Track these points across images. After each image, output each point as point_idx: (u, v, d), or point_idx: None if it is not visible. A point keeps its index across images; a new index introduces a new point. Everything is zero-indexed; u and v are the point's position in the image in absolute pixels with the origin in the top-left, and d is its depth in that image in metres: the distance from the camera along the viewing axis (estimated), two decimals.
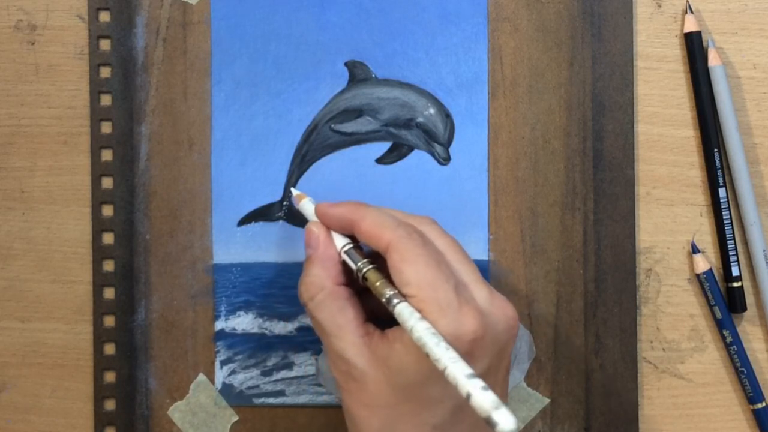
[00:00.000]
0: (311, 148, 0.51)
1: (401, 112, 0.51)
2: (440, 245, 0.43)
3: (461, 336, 0.39)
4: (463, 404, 0.38)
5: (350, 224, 0.43)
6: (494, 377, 0.42)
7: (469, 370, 0.37)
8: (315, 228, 0.45)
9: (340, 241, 0.45)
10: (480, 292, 0.42)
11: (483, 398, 0.35)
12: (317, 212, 0.45)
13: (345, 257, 0.44)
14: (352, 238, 0.45)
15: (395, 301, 0.41)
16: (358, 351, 0.42)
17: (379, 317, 0.43)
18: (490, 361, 0.41)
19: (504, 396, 0.43)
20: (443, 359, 0.37)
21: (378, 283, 0.42)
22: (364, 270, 0.43)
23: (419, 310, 0.39)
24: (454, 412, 0.41)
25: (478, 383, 0.36)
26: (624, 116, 0.51)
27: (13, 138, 0.52)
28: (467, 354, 0.39)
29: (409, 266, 0.40)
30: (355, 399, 0.42)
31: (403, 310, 0.40)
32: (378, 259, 0.43)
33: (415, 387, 0.40)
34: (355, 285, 0.44)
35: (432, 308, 0.39)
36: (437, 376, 0.38)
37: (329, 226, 0.45)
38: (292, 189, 0.50)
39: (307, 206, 0.47)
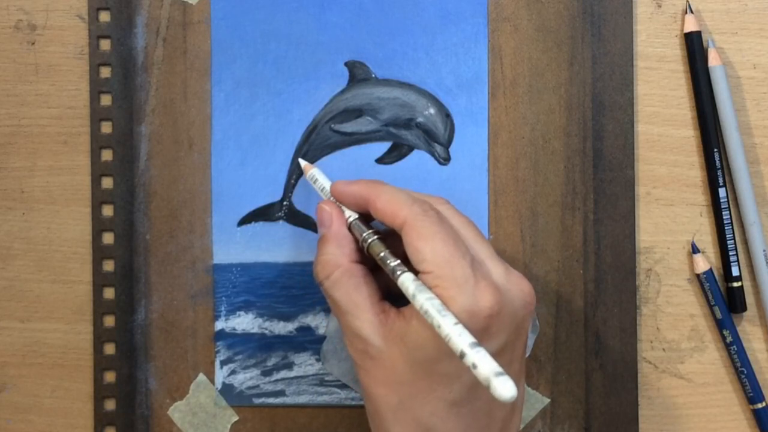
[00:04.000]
0: (311, 148, 0.51)
1: (401, 112, 0.51)
2: (455, 223, 0.43)
3: (478, 312, 0.39)
4: None
5: (365, 202, 0.43)
6: (511, 353, 0.42)
7: (471, 339, 0.37)
8: (327, 206, 0.45)
9: (347, 214, 0.45)
10: (496, 268, 0.42)
11: (484, 365, 0.36)
12: (333, 190, 0.45)
13: (353, 229, 0.44)
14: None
15: (399, 271, 0.41)
16: (375, 329, 0.42)
17: (393, 294, 0.43)
18: (507, 337, 0.41)
19: (521, 372, 0.43)
20: (446, 327, 0.38)
21: (381, 254, 0.42)
22: (369, 240, 0.43)
23: (435, 287, 0.40)
24: (471, 388, 0.41)
25: (480, 350, 0.36)
26: (624, 116, 0.51)
27: (13, 138, 0.52)
28: (483, 330, 0.39)
29: (426, 243, 0.40)
30: (372, 377, 0.42)
31: (405, 280, 0.40)
32: (389, 238, 0.43)
33: (432, 363, 0.40)
34: (369, 262, 0.44)
35: (449, 284, 0.39)
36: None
37: (345, 204, 0.45)
38: (300, 159, 0.50)
39: (317, 176, 0.47)
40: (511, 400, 0.35)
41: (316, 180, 0.47)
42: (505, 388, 0.35)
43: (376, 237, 0.43)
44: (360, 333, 0.42)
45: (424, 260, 0.40)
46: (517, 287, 0.42)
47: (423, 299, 0.39)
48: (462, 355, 0.37)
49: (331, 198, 0.46)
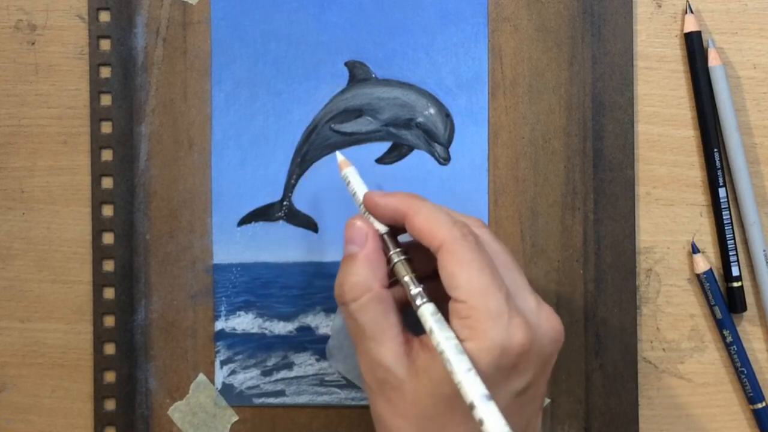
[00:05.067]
0: (311, 148, 0.51)
1: (401, 112, 0.51)
2: (492, 250, 0.41)
3: (509, 348, 0.38)
4: None
5: (403, 217, 0.41)
6: (535, 390, 0.41)
7: (485, 391, 0.36)
8: (361, 223, 0.43)
9: (378, 226, 0.43)
10: (529, 302, 0.40)
11: (492, 422, 0.35)
12: (367, 201, 0.43)
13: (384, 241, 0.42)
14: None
15: (420, 301, 0.40)
16: (399, 359, 0.40)
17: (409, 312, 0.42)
18: (533, 374, 0.40)
19: (541, 407, 0.42)
20: (459, 374, 0.37)
21: (406, 278, 0.41)
22: (396, 260, 0.41)
23: (467, 317, 0.38)
24: None
25: (491, 405, 0.36)
26: (624, 116, 0.51)
27: (13, 138, 0.52)
28: (513, 366, 0.38)
29: (462, 270, 0.39)
30: (390, 407, 0.41)
31: (425, 312, 0.39)
32: (414, 250, 0.42)
33: (456, 398, 0.38)
34: (393, 285, 0.43)
35: (482, 317, 0.38)
36: None
37: (377, 216, 0.43)
38: (338, 152, 0.47)
39: (351, 176, 0.45)
40: None
41: (350, 182, 0.45)
42: None
43: (403, 258, 0.42)
44: (382, 362, 0.40)
45: (459, 288, 0.39)
46: (548, 324, 0.40)
47: (440, 337, 0.38)
48: (472, 407, 0.36)
49: (362, 207, 0.44)
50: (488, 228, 0.43)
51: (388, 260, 0.42)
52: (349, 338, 0.44)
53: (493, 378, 0.38)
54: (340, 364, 0.50)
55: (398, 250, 0.42)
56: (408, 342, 0.41)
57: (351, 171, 0.45)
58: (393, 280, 0.42)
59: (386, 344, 0.41)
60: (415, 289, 0.40)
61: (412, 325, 0.42)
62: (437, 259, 0.40)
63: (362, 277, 0.41)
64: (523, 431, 0.38)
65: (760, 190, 0.51)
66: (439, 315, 0.39)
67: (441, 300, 0.40)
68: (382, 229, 0.43)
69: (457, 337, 0.38)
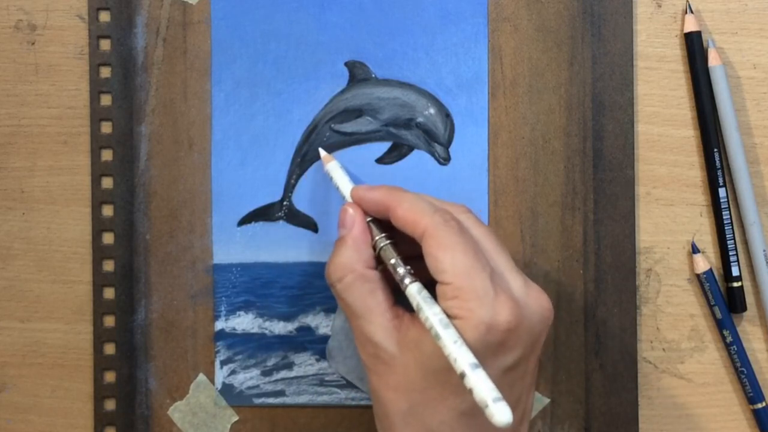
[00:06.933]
0: (311, 148, 0.51)
1: (401, 112, 0.51)
2: (476, 234, 0.43)
3: (496, 325, 0.39)
4: None
5: (386, 209, 0.43)
6: (524, 367, 0.42)
7: (473, 360, 0.37)
8: (352, 209, 0.45)
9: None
10: (516, 281, 0.42)
11: (483, 389, 0.36)
12: (353, 195, 0.45)
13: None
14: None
15: (407, 280, 0.41)
16: (388, 334, 0.42)
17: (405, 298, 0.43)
18: (522, 351, 0.41)
19: (532, 384, 0.43)
20: (448, 346, 0.38)
21: (392, 260, 0.42)
22: (381, 245, 0.43)
23: (454, 298, 0.40)
24: None
25: (480, 372, 0.37)
26: (624, 116, 0.51)
27: (13, 138, 0.52)
28: (500, 343, 0.39)
29: (446, 254, 0.40)
30: (383, 381, 0.42)
31: (412, 290, 0.40)
32: (405, 242, 0.43)
33: (445, 373, 0.40)
34: (384, 269, 0.44)
35: (468, 296, 0.39)
36: None
37: (364, 209, 0.45)
38: (321, 149, 0.50)
39: (334, 170, 0.47)
40: (506, 426, 0.35)
41: (332, 176, 0.47)
42: (501, 414, 0.35)
43: (388, 242, 0.43)
44: (372, 338, 0.42)
45: (444, 271, 0.40)
46: (536, 301, 0.42)
47: (428, 313, 0.39)
48: (462, 376, 0.37)
49: (349, 199, 0.46)
50: (472, 212, 0.44)
51: (374, 246, 0.43)
52: (350, 339, 0.45)
53: (481, 355, 0.39)
54: (340, 365, 0.50)
55: (383, 235, 0.43)
56: (398, 317, 0.42)
57: (333, 165, 0.48)
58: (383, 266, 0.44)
59: (375, 321, 0.42)
60: (401, 270, 0.42)
61: (406, 307, 0.43)
62: (422, 247, 0.41)
63: (346, 258, 0.43)
64: (513, 407, 0.39)
65: (760, 190, 0.51)
66: (426, 292, 0.40)
67: (429, 286, 0.41)
68: (368, 218, 0.45)
69: (445, 314, 0.39)
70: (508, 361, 0.40)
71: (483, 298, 0.39)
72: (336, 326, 0.50)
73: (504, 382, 0.40)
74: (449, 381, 0.40)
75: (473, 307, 0.39)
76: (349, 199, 0.46)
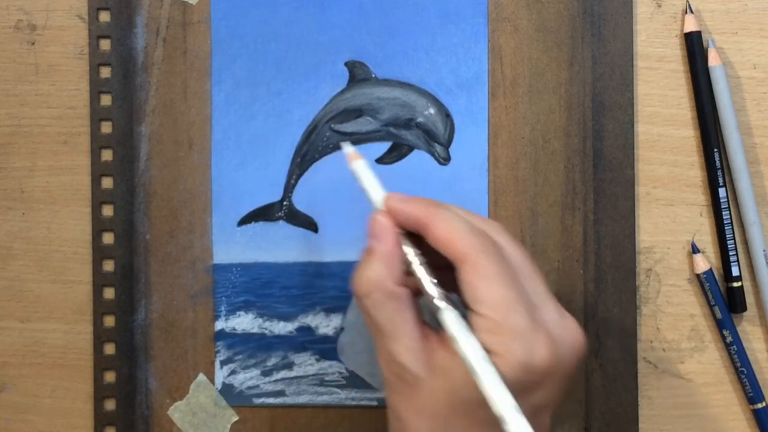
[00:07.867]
0: (311, 148, 0.51)
1: (401, 112, 0.51)
2: (513, 258, 0.41)
3: (533, 367, 0.38)
4: None
5: (422, 226, 0.41)
6: (553, 402, 0.40)
7: (514, 403, 0.36)
8: (384, 220, 0.42)
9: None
10: (551, 313, 0.40)
11: None
12: (388, 206, 0.42)
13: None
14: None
15: (442, 307, 0.39)
16: (414, 356, 0.40)
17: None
18: (554, 389, 0.40)
19: (551, 412, 0.42)
20: (488, 388, 0.37)
21: (427, 283, 0.40)
22: (416, 264, 0.41)
23: (490, 332, 0.38)
24: None
25: (522, 420, 0.36)
26: (624, 116, 0.51)
27: (13, 138, 0.52)
28: (536, 384, 0.38)
29: (484, 284, 0.38)
30: (406, 402, 0.40)
31: (448, 319, 0.39)
32: (432, 255, 0.41)
33: (474, 405, 0.38)
34: (413, 285, 0.42)
35: (505, 333, 0.38)
36: None
37: (396, 222, 0.42)
38: (343, 144, 0.45)
39: (362, 171, 0.43)
40: None
41: (360, 178, 0.43)
42: None
43: (424, 261, 0.41)
44: (398, 358, 0.40)
45: (481, 302, 0.38)
46: (572, 337, 0.40)
47: (465, 346, 0.38)
48: (501, 420, 0.36)
49: (379, 207, 0.43)
50: (507, 233, 0.42)
51: (407, 263, 0.41)
52: (361, 334, 0.44)
53: (514, 392, 0.37)
54: (351, 360, 0.50)
55: (418, 252, 0.41)
56: (426, 337, 0.41)
57: (361, 165, 0.44)
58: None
59: (401, 341, 0.40)
60: (437, 293, 0.40)
61: (430, 318, 0.41)
62: (458, 272, 0.39)
63: (375, 273, 0.41)
64: None
65: (760, 190, 0.51)
66: (464, 322, 0.39)
67: (456, 292, 0.40)
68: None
69: (483, 349, 0.38)
70: (540, 398, 0.39)
71: (521, 336, 0.38)
72: (348, 321, 0.50)
73: (535, 421, 0.38)
74: (477, 414, 0.39)
75: (510, 344, 0.38)
76: (379, 206, 0.42)
